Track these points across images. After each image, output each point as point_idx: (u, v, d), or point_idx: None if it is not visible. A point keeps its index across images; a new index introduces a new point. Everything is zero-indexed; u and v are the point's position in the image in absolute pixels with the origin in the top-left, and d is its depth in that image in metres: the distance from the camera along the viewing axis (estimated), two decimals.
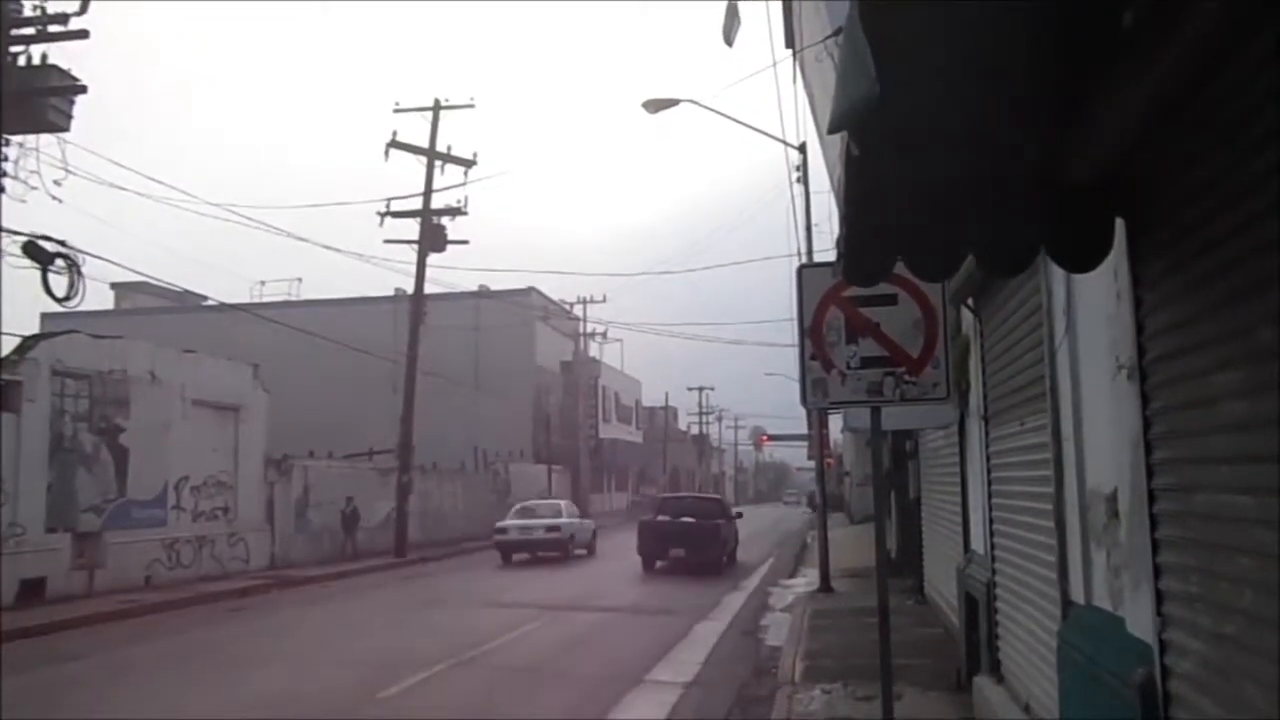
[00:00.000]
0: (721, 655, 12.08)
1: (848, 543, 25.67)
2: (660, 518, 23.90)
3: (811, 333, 5.94)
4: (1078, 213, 3.58)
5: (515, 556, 25.76)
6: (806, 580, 20.28)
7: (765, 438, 76.30)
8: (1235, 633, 3.00)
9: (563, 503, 29.76)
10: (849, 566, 20.22)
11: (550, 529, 25.98)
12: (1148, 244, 3.66)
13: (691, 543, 22.53)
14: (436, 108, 27.30)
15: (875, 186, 3.02)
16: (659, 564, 22.95)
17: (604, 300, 52.93)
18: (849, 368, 5.85)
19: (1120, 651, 4.02)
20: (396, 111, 27.34)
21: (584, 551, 27.77)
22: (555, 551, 25.67)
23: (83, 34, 15.28)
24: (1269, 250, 2.64)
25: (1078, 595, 5.27)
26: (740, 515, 28.08)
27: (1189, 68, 2.80)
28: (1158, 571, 3.65)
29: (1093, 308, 4.65)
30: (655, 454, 73.08)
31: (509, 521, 26.50)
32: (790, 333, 10.17)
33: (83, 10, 15.19)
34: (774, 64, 33.38)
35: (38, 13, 15.10)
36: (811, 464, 24.99)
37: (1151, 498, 3.69)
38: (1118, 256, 3.82)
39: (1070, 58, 2.88)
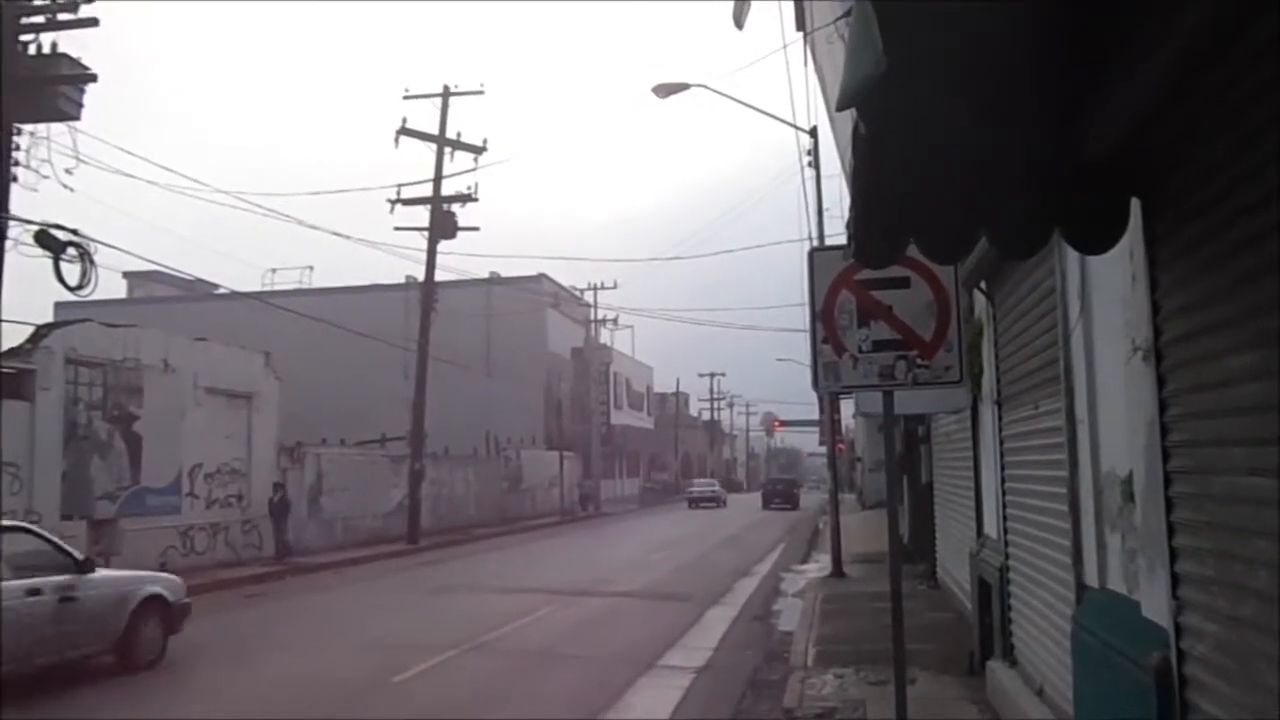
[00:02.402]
0: (733, 640, 12.09)
1: (860, 528, 25.66)
2: (770, 487, 56.51)
3: (823, 316, 5.90)
4: (1092, 193, 3.53)
5: None
6: (818, 565, 20.28)
7: (777, 423, 76.29)
8: (1251, 615, 2.97)
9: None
10: (861, 551, 20.21)
11: None
12: (1163, 224, 3.62)
13: (782, 496, 52.46)
14: (446, 94, 27.24)
15: (885, 166, 2.98)
16: (773, 505, 50.33)
17: (615, 286, 52.96)
18: (861, 351, 5.81)
19: (1135, 635, 4.00)
20: (406, 98, 27.29)
21: None
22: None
23: (92, 21, 15.27)
24: None
25: (1092, 579, 5.25)
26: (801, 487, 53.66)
27: (1200, 46, 2.75)
28: (1173, 555, 3.61)
29: (1108, 290, 4.61)
30: (667, 440, 73.15)
31: None
32: (802, 317, 10.15)
33: None
34: (784, 47, 33.17)
35: (47, 0, 15.11)
36: (823, 449, 24.96)
37: (1167, 480, 3.65)
38: (1133, 237, 3.77)
39: (1083, 32, 2.84)
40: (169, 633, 11.07)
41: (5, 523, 10.43)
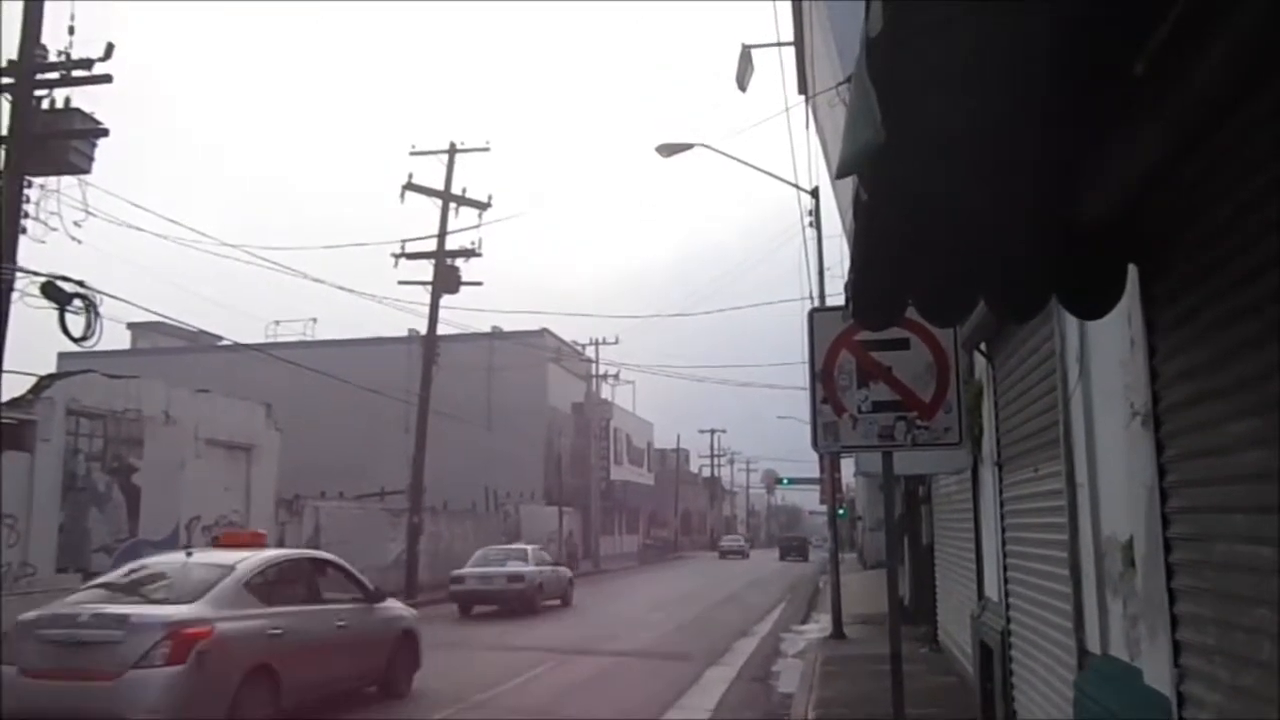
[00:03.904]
0: (732, 702, 11.93)
1: (861, 588, 25.42)
2: (786, 543, 66.87)
3: (823, 376, 5.93)
4: (1089, 259, 3.57)
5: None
6: (819, 626, 20.06)
7: (772, 481, 76.55)
8: (1253, 686, 2.94)
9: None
10: (862, 612, 20.00)
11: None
12: (1161, 290, 3.65)
13: (796, 550, 62.77)
14: (452, 151, 27.57)
15: (885, 231, 3.02)
16: (788, 559, 59.43)
17: (616, 342, 53.08)
18: (860, 412, 5.83)
19: (1138, 703, 3.95)
20: (413, 154, 27.63)
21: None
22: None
23: (106, 79, 15.51)
24: None
25: (1094, 645, 5.19)
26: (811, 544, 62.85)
27: (1199, 115, 2.80)
28: (1175, 622, 3.59)
29: (1106, 354, 4.63)
30: (667, 496, 72.75)
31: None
32: (802, 375, 10.17)
33: (106, 56, 15.43)
34: (787, 109, 33.64)
35: (62, 58, 15.36)
36: (824, 508, 24.84)
37: (1167, 546, 3.64)
38: (1130, 302, 3.80)
39: (1080, 106, 2.89)
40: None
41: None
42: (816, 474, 30.65)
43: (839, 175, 2.57)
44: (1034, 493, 6.72)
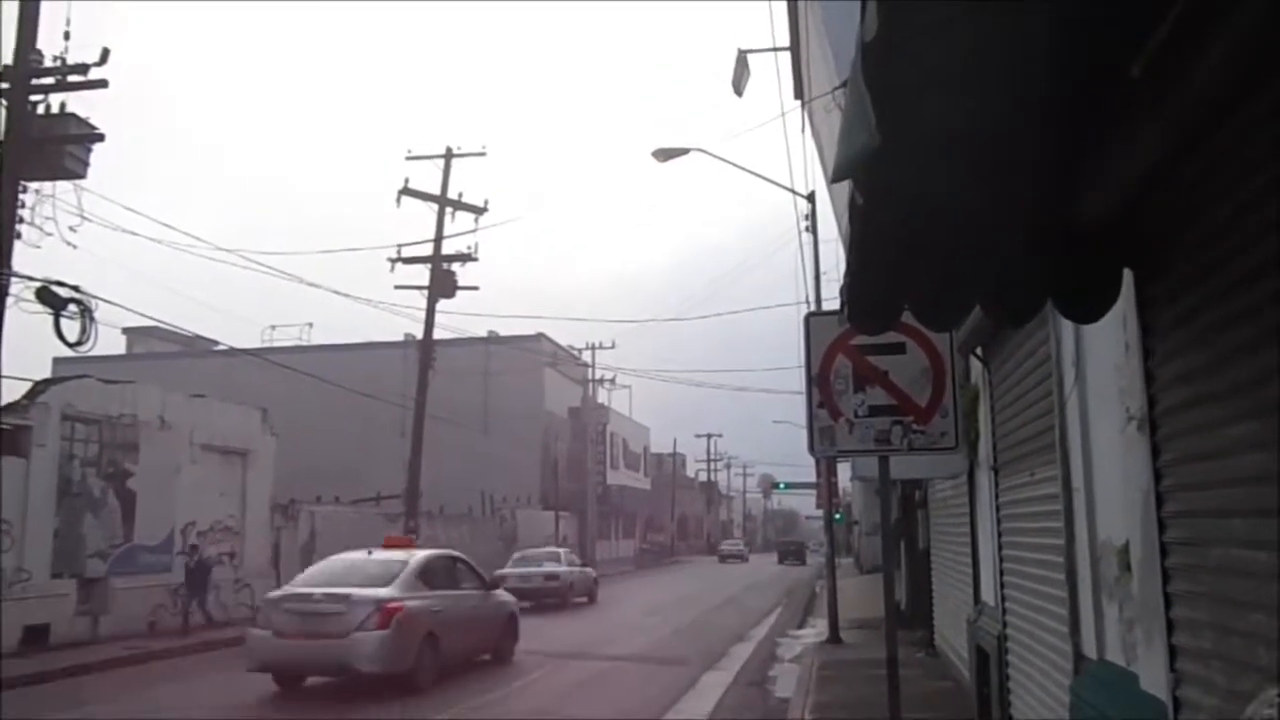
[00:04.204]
0: (729, 706, 11.90)
1: (857, 593, 25.41)
2: (784, 548, 69.37)
3: (819, 381, 5.92)
4: (1084, 263, 3.57)
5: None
6: (815, 631, 20.03)
7: (768, 486, 76.67)
8: (1250, 691, 2.93)
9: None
10: (858, 617, 19.98)
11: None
12: (1156, 294, 3.64)
13: (794, 555, 64.91)
14: (448, 155, 27.56)
15: (881, 235, 3.02)
16: (786, 563, 60.46)
17: (613, 346, 53.02)
18: (856, 416, 5.82)
19: (1134, 708, 3.95)
20: (409, 159, 27.61)
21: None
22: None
23: (102, 84, 15.50)
24: (1279, 302, 2.62)
25: (1090, 650, 5.19)
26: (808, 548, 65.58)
27: (1195, 119, 2.80)
28: (1171, 626, 3.58)
29: (1102, 358, 4.63)
30: (663, 501, 72.73)
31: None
32: (799, 380, 10.16)
33: (102, 61, 15.42)
34: (783, 114, 33.66)
35: (57, 63, 15.35)
36: (820, 513, 24.85)
37: (1164, 551, 3.63)
38: (1126, 306, 3.80)
39: (1076, 108, 2.89)
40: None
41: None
42: (813, 478, 30.72)
43: (834, 179, 2.57)
44: (1030, 497, 6.72)
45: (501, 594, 15.99)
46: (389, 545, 15.07)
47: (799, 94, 19.52)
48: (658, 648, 17.63)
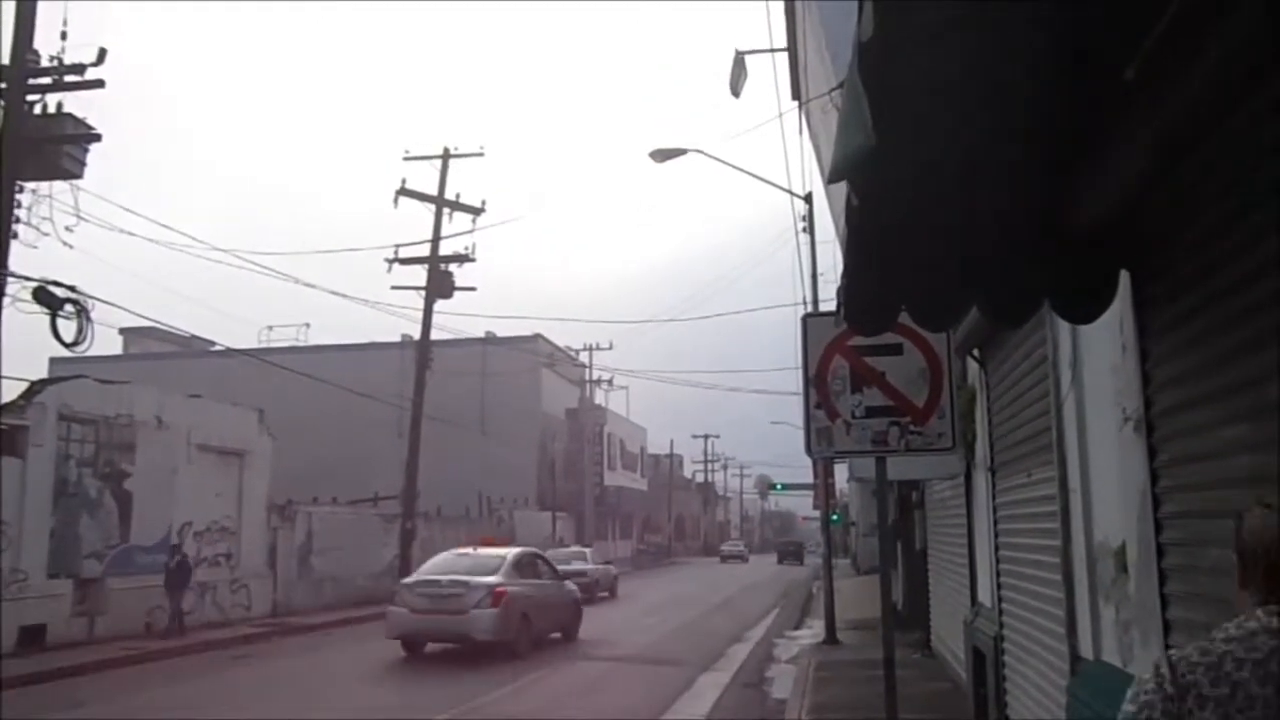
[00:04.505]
0: (726, 707, 11.90)
1: (854, 593, 25.40)
2: (784, 548, 70.05)
3: (816, 382, 5.92)
4: (1081, 264, 3.57)
5: None
6: (812, 632, 20.04)
7: (766, 487, 76.79)
8: None
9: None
10: (855, 618, 19.98)
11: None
12: (1153, 296, 3.65)
13: (793, 555, 66.31)
14: (446, 156, 27.53)
15: (877, 237, 3.02)
16: (784, 563, 61.75)
17: (610, 347, 53.05)
18: (854, 417, 5.82)
19: None
20: (406, 159, 27.56)
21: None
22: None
23: (99, 84, 15.48)
24: (1276, 303, 2.62)
25: (1086, 650, 5.19)
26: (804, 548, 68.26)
27: (1191, 121, 2.80)
28: (1167, 627, 3.59)
29: (1099, 359, 4.63)
30: (660, 502, 72.73)
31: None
32: (796, 380, 10.16)
33: (99, 61, 15.40)
34: (780, 115, 33.66)
35: (54, 63, 15.32)
36: (817, 513, 24.85)
37: (1160, 552, 3.64)
38: (1122, 307, 3.80)
39: (1072, 110, 2.89)
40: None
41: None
42: (810, 479, 30.69)
43: (831, 180, 2.57)
44: (1027, 498, 6.72)
45: (570, 584, 19.14)
46: (484, 543, 19.33)
47: (796, 95, 19.53)
48: (656, 648, 17.63)
